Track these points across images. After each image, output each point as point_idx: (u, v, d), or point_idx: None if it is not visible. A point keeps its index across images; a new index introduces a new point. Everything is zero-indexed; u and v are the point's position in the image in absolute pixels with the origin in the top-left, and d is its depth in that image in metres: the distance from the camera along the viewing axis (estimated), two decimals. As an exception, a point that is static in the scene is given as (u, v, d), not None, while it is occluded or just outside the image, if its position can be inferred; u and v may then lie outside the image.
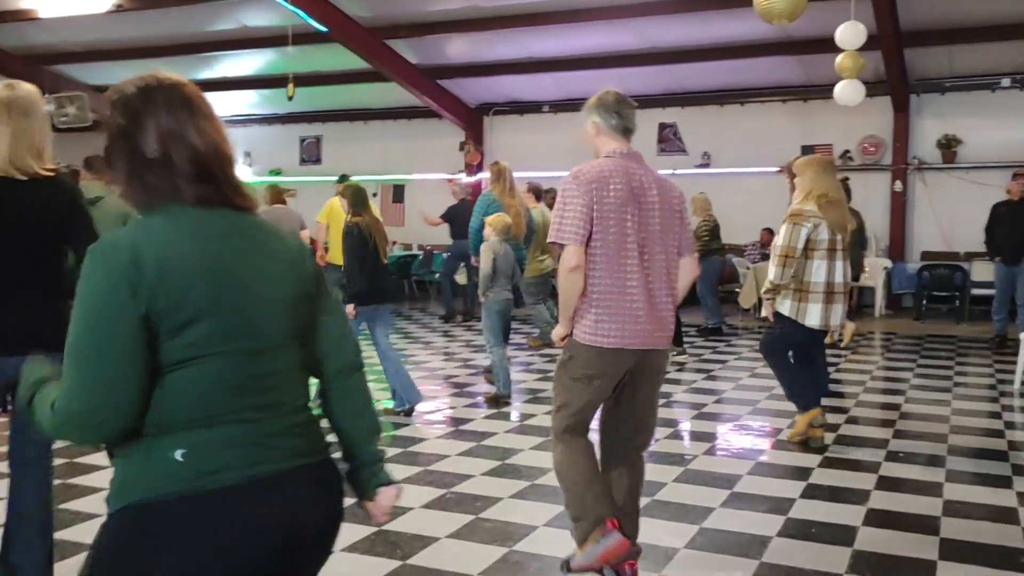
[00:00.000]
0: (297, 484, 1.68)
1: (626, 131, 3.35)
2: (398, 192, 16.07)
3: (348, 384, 1.88)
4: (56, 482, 3.13)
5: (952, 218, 12.38)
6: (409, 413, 6.19)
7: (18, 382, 1.73)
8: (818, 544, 3.87)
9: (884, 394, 7.24)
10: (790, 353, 5.58)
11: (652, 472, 3.81)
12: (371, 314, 6.02)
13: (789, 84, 13.12)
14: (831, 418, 5.99)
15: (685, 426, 6.12)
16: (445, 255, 12.11)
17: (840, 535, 3.96)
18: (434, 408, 6.55)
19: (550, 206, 8.55)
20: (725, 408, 6.61)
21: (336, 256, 8.53)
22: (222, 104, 14.61)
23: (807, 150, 12.08)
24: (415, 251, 14.86)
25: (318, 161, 16.61)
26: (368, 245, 5.92)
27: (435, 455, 5.24)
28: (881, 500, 4.46)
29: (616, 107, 3.33)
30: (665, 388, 5.89)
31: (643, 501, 3.66)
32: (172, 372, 1.59)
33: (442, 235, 12.30)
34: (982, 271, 11.12)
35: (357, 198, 6.08)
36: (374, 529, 3.83)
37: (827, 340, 5.81)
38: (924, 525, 4.10)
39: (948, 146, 12.48)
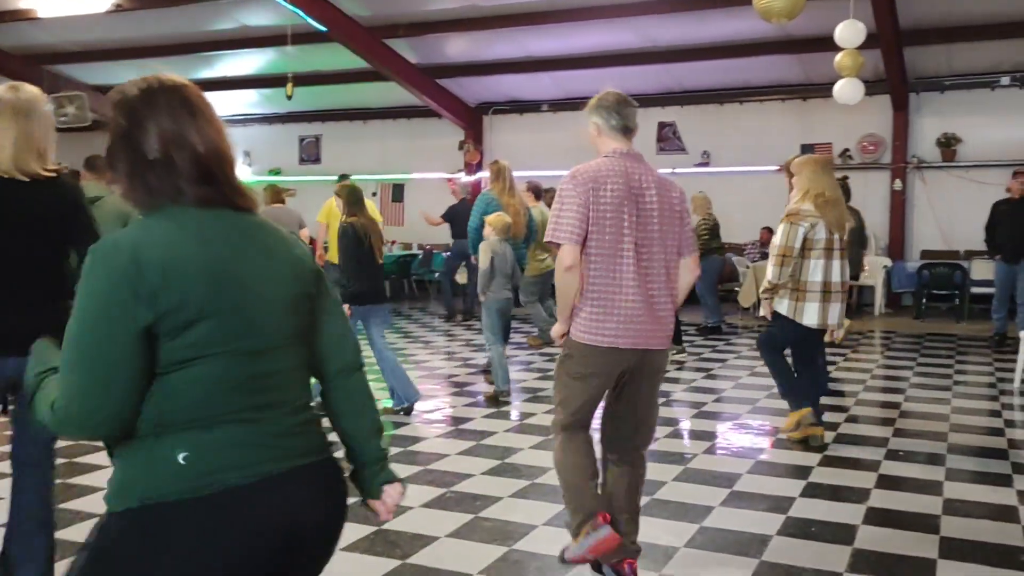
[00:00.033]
0: (297, 484, 1.68)
1: (627, 131, 3.35)
2: (397, 191, 16.07)
3: (349, 384, 1.88)
4: (56, 482, 3.13)
5: (952, 216, 12.38)
6: (408, 411, 6.19)
7: (18, 382, 1.73)
8: (818, 543, 3.87)
9: (884, 393, 7.24)
10: (786, 351, 5.58)
11: (652, 471, 3.80)
12: (366, 314, 6.04)
13: (788, 83, 13.11)
14: (831, 417, 6.00)
15: (685, 425, 6.12)
16: (445, 254, 12.10)
17: (840, 534, 3.96)
18: (434, 407, 6.56)
19: (550, 205, 8.51)
20: (725, 407, 6.62)
21: (335, 255, 8.53)
22: (222, 104, 14.58)
23: (807, 149, 12.07)
24: (415, 250, 14.85)
25: (317, 161, 16.61)
26: (363, 245, 5.95)
27: (435, 454, 5.24)
28: (881, 499, 4.46)
29: (616, 107, 3.33)
30: (665, 387, 5.89)
31: (643, 500, 3.66)
32: (173, 372, 1.59)
33: (442, 234, 12.31)
34: (982, 269, 11.14)
35: (352, 198, 6.09)
36: (373, 528, 3.84)
37: (825, 339, 5.81)
38: (924, 523, 4.10)
39: (948, 144, 12.48)
